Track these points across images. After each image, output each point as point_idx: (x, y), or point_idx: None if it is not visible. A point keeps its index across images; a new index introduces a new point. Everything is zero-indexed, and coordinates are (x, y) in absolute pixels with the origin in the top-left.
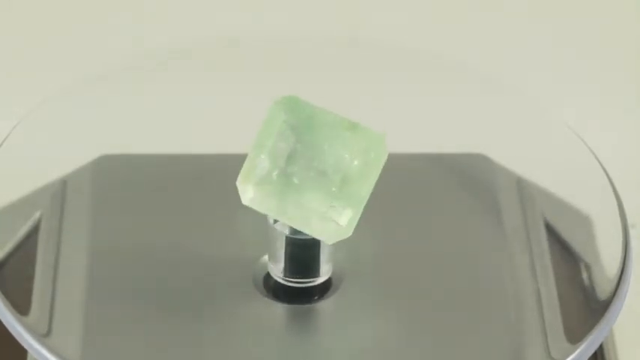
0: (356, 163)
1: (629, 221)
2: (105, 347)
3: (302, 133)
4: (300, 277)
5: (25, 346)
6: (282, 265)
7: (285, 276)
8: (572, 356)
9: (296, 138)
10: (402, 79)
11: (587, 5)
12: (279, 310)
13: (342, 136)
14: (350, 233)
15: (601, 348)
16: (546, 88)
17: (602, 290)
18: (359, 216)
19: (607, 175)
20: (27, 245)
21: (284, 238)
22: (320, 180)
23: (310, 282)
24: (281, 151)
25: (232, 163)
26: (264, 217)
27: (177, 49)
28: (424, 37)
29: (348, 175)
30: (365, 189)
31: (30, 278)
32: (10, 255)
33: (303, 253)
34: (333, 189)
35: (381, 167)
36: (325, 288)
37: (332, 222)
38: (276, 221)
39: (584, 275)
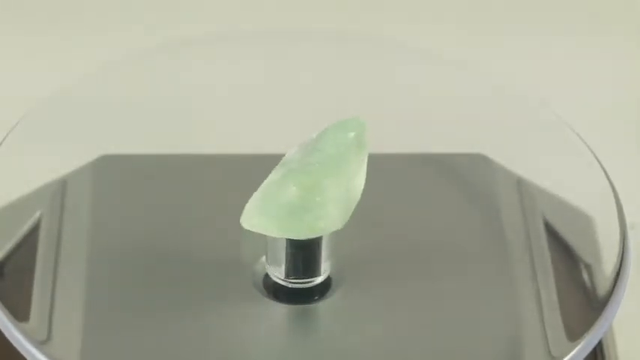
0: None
1: (629, 221)
2: (105, 351)
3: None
4: (298, 277)
5: (24, 353)
6: (280, 265)
7: (283, 276)
8: (571, 354)
9: (336, 150)
10: (402, 78)
11: (587, 4)
12: (278, 310)
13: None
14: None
15: (601, 347)
16: (546, 88)
17: (602, 289)
18: (265, 231)
19: (606, 174)
20: (27, 245)
21: (282, 239)
22: (284, 180)
23: (308, 282)
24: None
25: (232, 163)
26: None
27: (177, 48)
28: (424, 36)
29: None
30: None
31: (29, 279)
32: (10, 255)
33: (300, 253)
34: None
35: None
36: (325, 288)
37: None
38: None
39: (584, 275)
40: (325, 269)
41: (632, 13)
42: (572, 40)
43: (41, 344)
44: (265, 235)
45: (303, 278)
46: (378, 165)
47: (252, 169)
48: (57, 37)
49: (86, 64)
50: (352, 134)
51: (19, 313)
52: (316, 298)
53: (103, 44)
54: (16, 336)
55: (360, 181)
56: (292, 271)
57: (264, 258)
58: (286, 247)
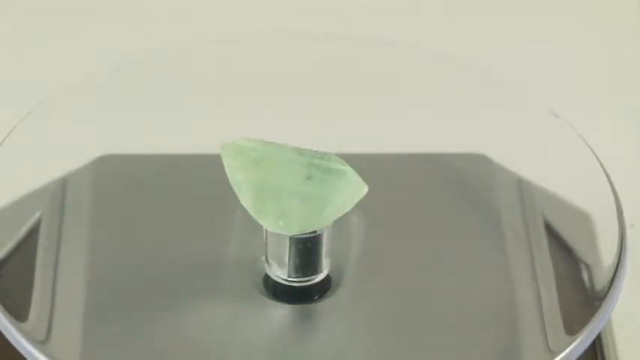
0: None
1: (629, 221)
2: (105, 351)
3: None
4: (297, 276)
5: (24, 353)
6: (279, 264)
7: (282, 275)
8: (569, 348)
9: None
10: (402, 77)
11: (588, 3)
12: (278, 310)
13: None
14: None
15: (601, 345)
16: (547, 87)
17: (600, 287)
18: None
19: (606, 174)
20: (27, 245)
21: (281, 237)
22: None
23: (308, 281)
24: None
25: None
26: None
27: (177, 48)
28: (424, 35)
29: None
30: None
31: (29, 279)
32: (10, 255)
33: (298, 252)
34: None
35: None
36: (325, 288)
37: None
38: None
39: (584, 275)
40: (324, 269)
41: (634, 13)
42: (573, 37)
43: (41, 344)
44: (265, 235)
45: (301, 277)
46: (378, 165)
47: None
48: (57, 37)
49: (86, 64)
50: (347, 192)
51: (19, 313)
52: (316, 297)
53: (104, 44)
54: (15, 336)
55: (331, 209)
56: (291, 270)
57: (264, 258)
58: (284, 245)
